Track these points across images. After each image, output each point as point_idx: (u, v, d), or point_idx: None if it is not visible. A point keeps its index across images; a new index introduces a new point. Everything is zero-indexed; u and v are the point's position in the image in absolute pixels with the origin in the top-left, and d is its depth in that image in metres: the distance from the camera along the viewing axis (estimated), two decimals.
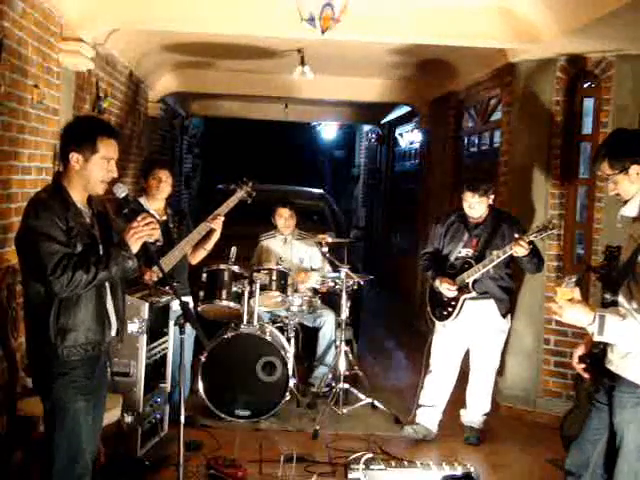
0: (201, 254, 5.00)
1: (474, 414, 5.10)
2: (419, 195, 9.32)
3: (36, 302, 2.96)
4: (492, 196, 4.89)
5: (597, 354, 3.10)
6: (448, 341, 4.99)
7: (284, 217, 6.03)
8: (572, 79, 5.54)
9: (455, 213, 5.11)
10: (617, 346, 2.95)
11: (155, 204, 4.88)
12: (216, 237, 4.93)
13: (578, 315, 2.84)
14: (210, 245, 4.96)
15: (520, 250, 4.53)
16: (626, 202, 3.05)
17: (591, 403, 3.23)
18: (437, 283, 4.90)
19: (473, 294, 4.83)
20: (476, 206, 4.84)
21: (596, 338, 2.86)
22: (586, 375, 3.25)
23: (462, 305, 4.86)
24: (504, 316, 4.94)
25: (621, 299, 2.92)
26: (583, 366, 3.23)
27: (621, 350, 2.94)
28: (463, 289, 4.83)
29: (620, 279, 2.98)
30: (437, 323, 5.02)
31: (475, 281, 4.81)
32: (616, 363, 2.98)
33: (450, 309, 4.89)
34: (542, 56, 5.48)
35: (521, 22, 5.05)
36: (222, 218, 4.87)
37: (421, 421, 5.05)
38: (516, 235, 4.60)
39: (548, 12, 4.79)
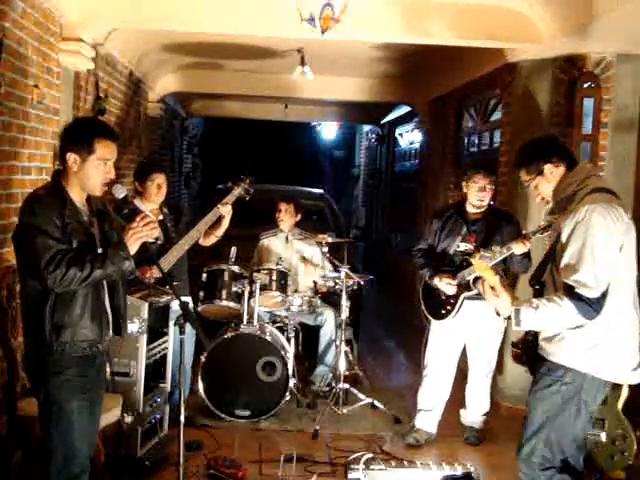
0: (212, 239, 5.03)
1: (474, 414, 5.09)
2: (419, 195, 9.32)
3: (32, 298, 2.97)
4: (491, 193, 4.87)
5: (531, 341, 3.26)
6: (444, 341, 4.94)
7: (282, 211, 6.12)
8: (572, 79, 5.53)
9: (453, 207, 5.08)
10: (543, 330, 3.11)
11: (150, 205, 4.88)
12: (226, 224, 4.93)
13: (499, 306, 3.08)
14: (221, 232, 4.98)
15: (520, 248, 4.47)
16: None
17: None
18: (436, 280, 4.83)
19: (474, 292, 4.75)
20: (486, 191, 4.78)
21: (515, 328, 3.05)
22: (519, 362, 3.40)
23: (462, 303, 4.81)
24: (499, 314, 4.86)
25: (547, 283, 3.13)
26: (517, 351, 3.38)
27: (547, 333, 3.09)
28: (463, 286, 4.78)
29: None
30: (433, 322, 4.97)
31: (476, 278, 4.73)
32: (545, 347, 3.13)
33: (449, 307, 4.84)
34: (542, 56, 5.48)
35: (521, 22, 5.05)
36: (228, 206, 4.85)
37: (421, 426, 5.03)
38: (524, 232, 4.57)
39: (548, 12, 4.79)
